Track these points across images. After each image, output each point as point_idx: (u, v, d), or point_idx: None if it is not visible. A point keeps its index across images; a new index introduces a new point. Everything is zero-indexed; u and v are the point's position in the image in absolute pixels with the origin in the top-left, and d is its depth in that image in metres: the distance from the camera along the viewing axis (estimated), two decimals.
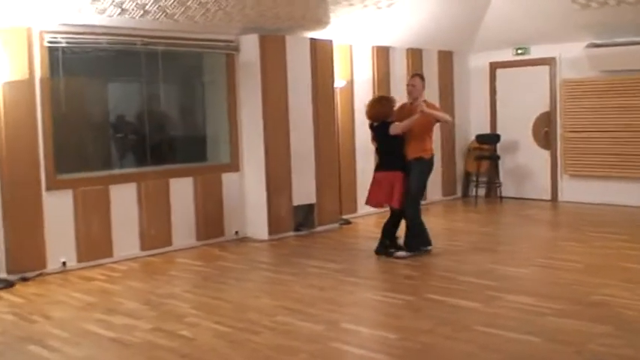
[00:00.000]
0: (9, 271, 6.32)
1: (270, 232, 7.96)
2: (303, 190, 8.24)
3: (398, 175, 6.75)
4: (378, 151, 7.03)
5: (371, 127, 6.97)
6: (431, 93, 10.37)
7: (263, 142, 7.87)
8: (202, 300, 5.59)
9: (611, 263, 6.33)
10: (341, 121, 9.04)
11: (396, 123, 6.75)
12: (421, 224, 6.88)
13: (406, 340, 4.42)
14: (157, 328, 4.84)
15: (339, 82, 8.82)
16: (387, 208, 7.07)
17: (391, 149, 6.84)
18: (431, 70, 10.39)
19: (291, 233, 8.15)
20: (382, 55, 9.67)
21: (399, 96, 9.79)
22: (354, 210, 9.33)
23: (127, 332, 4.78)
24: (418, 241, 6.83)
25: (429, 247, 6.88)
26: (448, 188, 10.85)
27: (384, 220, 7.04)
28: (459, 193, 11.10)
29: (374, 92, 9.51)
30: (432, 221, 9.11)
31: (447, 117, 7.20)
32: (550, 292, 5.43)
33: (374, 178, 6.99)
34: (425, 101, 6.93)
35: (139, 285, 6.17)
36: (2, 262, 6.28)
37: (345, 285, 5.92)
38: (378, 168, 7.00)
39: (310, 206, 8.32)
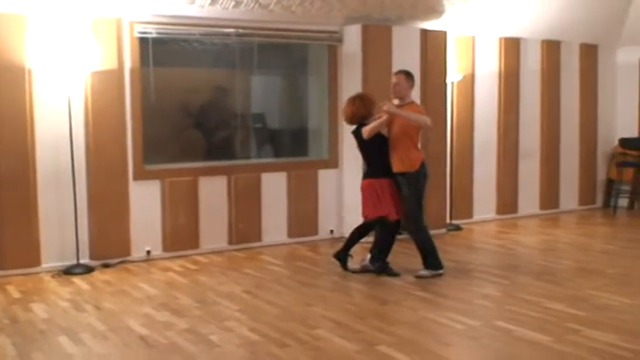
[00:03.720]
0: (92, 257, 6.48)
1: None
2: None
3: (384, 182, 5.97)
4: (362, 156, 6.24)
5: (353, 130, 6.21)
6: (570, 91, 9.39)
7: None
8: (254, 303, 5.33)
9: None
10: (457, 117, 8.36)
11: (366, 126, 5.95)
12: (432, 244, 6.08)
13: None
14: (190, 330, 4.66)
15: (455, 76, 8.14)
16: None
17: (371, 154, 6.06)
18: (571, 65, 9.37)
19: None
20: (511, 47, 8.81)
21: (529, 93, 8.98)
22: (469, 215, 8.64)
23: (160, 331, 4.64)
24: (435, 258, 6.05)
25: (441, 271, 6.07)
26: (586, 197, 9.75)
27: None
28: (599, 203, 9.92)
29: (499, 87, 8.75)
30: (553, 233, 8.23)
31: (423, 119, 5.88)
32: None
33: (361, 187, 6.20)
34: (412, 103, 6.07)
35: (206, 280, 6.04)
36: (86, 248, 6.45)
37: (412, 300, 5.38)
38: (363, 176, 6.20)
39: None
